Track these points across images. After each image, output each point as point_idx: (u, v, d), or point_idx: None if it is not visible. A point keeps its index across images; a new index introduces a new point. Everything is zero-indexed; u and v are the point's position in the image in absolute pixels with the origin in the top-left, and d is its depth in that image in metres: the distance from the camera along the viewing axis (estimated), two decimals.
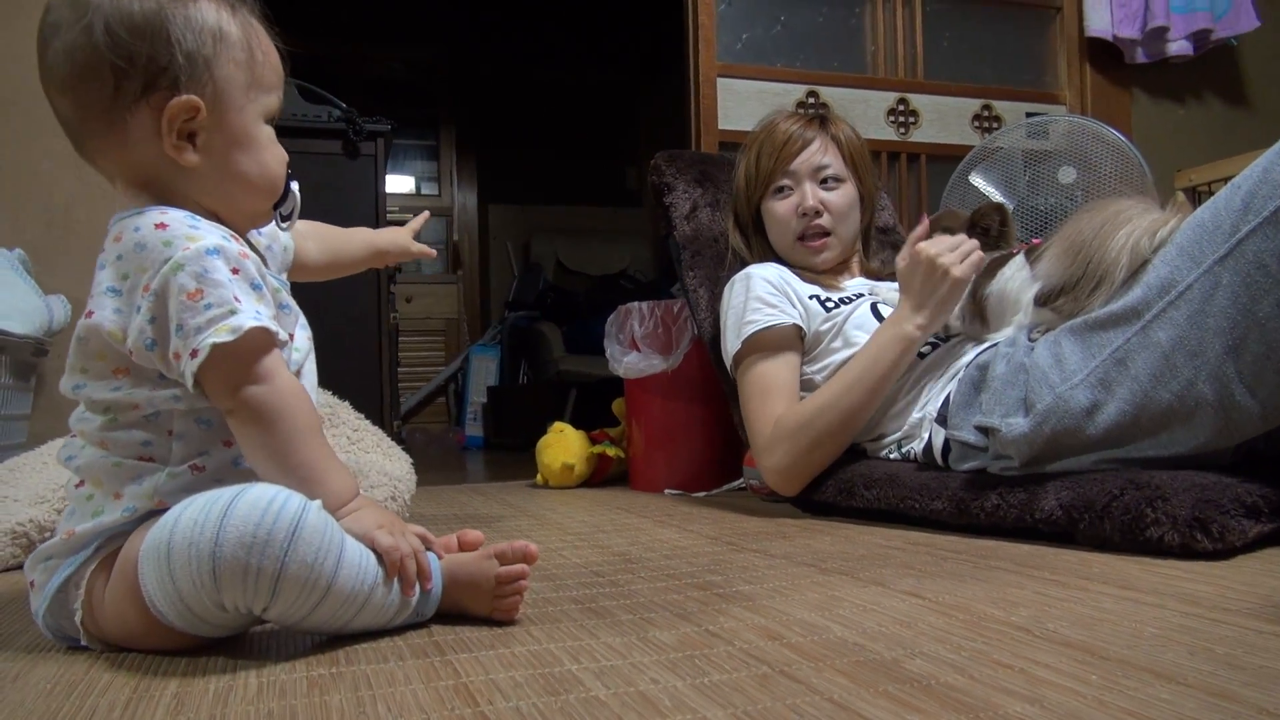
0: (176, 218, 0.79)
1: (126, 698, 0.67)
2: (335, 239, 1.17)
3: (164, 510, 0.75)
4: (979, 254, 1.43)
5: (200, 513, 0.70)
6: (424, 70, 5.83)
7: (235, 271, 0.78)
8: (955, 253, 1.42)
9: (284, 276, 0.97)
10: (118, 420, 0.80)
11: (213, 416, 0.81)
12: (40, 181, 2.12)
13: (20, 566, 1.27)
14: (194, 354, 0.74)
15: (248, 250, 0.81)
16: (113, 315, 0.78)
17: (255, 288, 0.80)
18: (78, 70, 0.78)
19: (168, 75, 0.79)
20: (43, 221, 2.14)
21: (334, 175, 2.39)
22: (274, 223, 0.93)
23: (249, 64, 0.84)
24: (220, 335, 0.74)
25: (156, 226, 0.77)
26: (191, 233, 0.78)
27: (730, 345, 1.63)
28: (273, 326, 0.78)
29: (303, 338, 0.90)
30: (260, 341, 0.78)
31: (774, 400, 1.56)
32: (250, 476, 0.81)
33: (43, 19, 0.80)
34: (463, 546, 0.91)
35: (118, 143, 0.81)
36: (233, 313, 0.75)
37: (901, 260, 1.48)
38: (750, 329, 1.59)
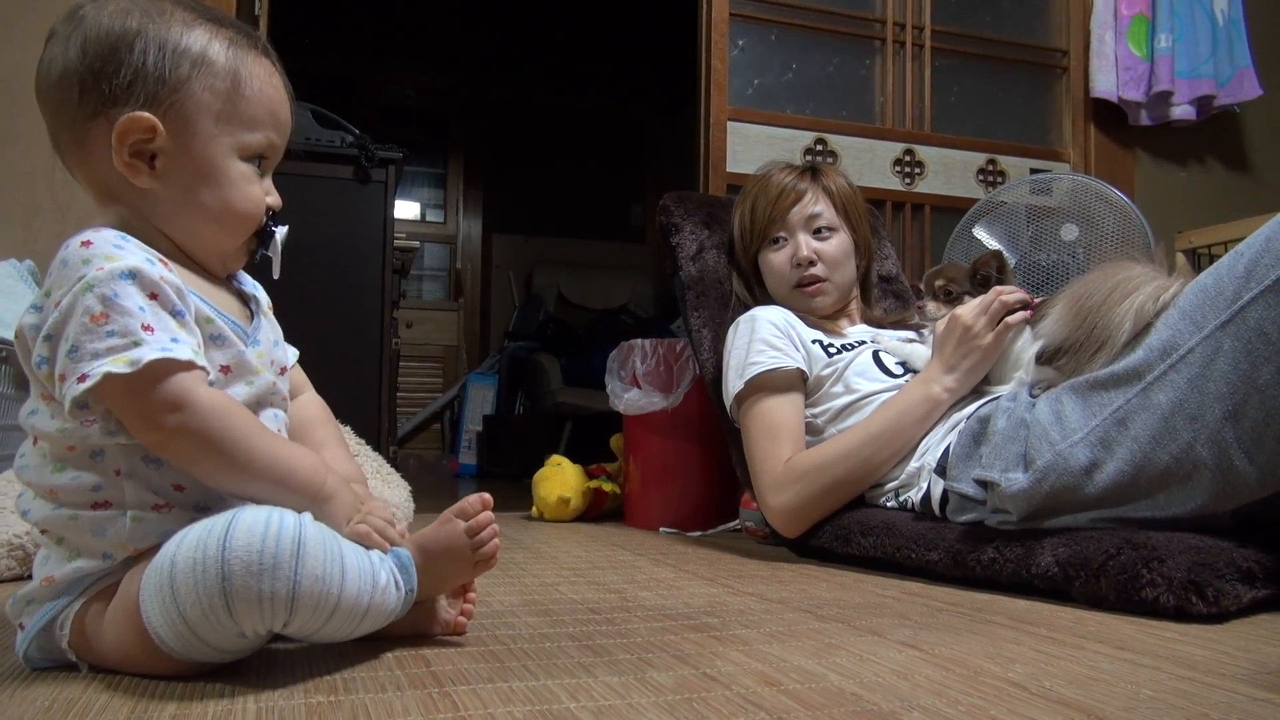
0: (104, 237, 0.76)
1: (125, 717, 0.67)
2: (302, 426, 0.98)
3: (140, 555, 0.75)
4: (1010, 320, 1.45)
5: (196, 550, 0.69)
6: (435, 97, 5.89)
7: (153, 296, 0.75)
8: (986, 317, 1.46)
9: (277, 359, 0.91)
10: (65, 467, 0.77)
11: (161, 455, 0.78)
12: (55, 193, 2.14)
13: (16, 579, 1.26)
14: (82, 379, 0.71)
15: (167, 274, 0.77)
16: (26, 330, 0.76)
17: (177, 314, 0.76)
18: (53, 81, 0.79)
19: (129, 91, 0.78)
20: (55, 233, 2.15)
21: (344, 201, 2.41)
22: (250, 263, 0.89)
23: (230, 95, 0.81)
24: (117, 365, 0.71)
25: (82, 244, 0.75)
26: (112, 252, 0.75)
27: (732, 385, 1.64)
28: (183, 355, 0.74)
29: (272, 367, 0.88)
30: (162, 371, 0.73)
31: (782, 441, 1.57)
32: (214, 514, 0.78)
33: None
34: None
35: (83, 157, 0.81)
36: (135, 344, 0.72)
37: (941, 323, 1.52)
38: (754, 370, 1.60)
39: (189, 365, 0.75)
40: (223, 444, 0.76)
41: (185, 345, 0.75)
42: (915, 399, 1.48)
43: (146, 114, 0.78)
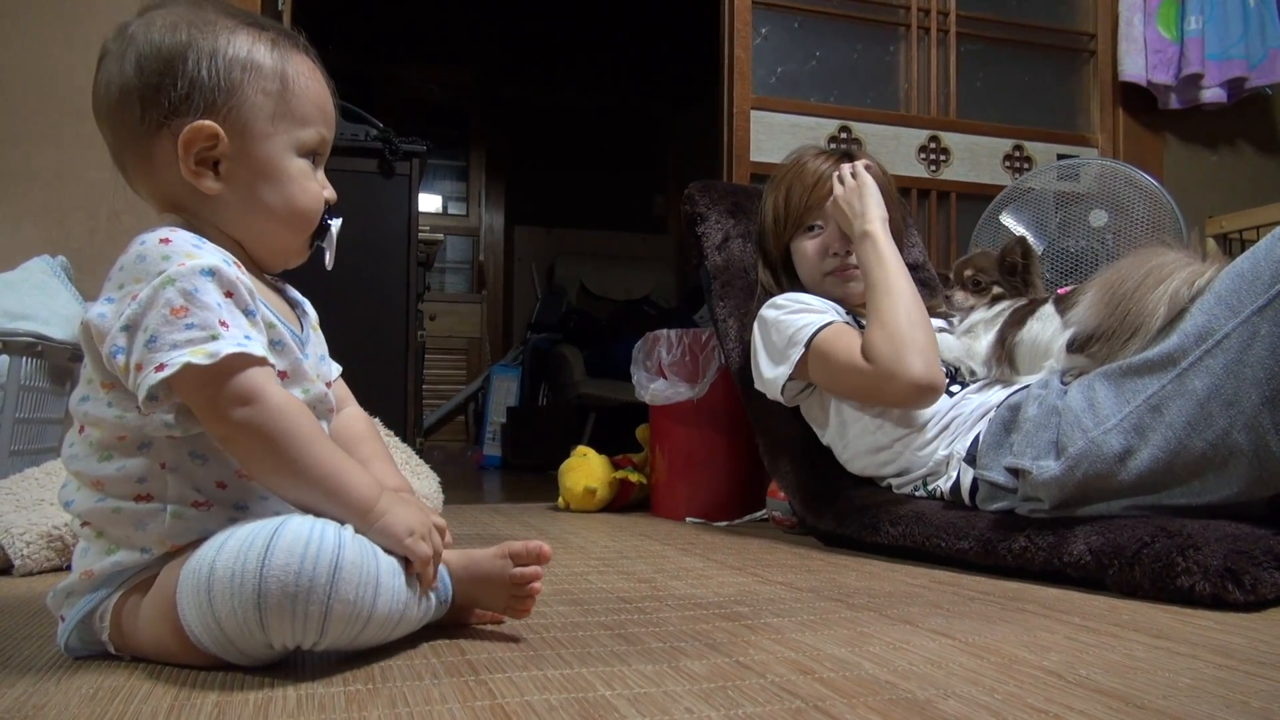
0: (182, 236, 0.78)
1: (169, 705, 0.68)
2: (348, 441, 0.96)
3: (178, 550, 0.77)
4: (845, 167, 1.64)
5: (236, 561, 0.70)
6: (457, 91, 5.90)
7: (229, 294, 0.77)
8: (845, 174, 1.65)
9: (323, 374, 0.92)
10: (112, 456, 0.79)
11: (207, 452, 0.79)
12: (88, 190, 2.17)
13: (55, 569, 1.28)
14: (160, 368, 0.72)
15: (242, 275, 0.79)
16: (97, 318, 0.77)
17: (249, 313, 0.79)
18: (113, 99, 0.81)
19: (189, 102, 0.80)
20: (87, 229, 2.18)
21: (369, 194, 2.42)
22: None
23: (280, 94, 0.84)
24: (196, 356, 0.73)
25: (160, 241, 0.77)
26: (192, 251, 0.77)
27: (792, 355, 1.57)
28: (257, 351, 0.76)
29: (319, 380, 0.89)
30: (238, 365, 0.75)
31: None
32: (252, 515, 0.80)
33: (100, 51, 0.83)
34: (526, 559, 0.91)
35: (148, 170, 0.83)
36: (213, 338, 0.74)
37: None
38: (808, 331, 1.55)
39: (262, 361, 0.77)
40: (284, 444, 0.77)
41: (257, 343, 0.77)
42: (869, 249, 1.56)
43: (209, 122, 0.80)
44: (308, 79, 0.86)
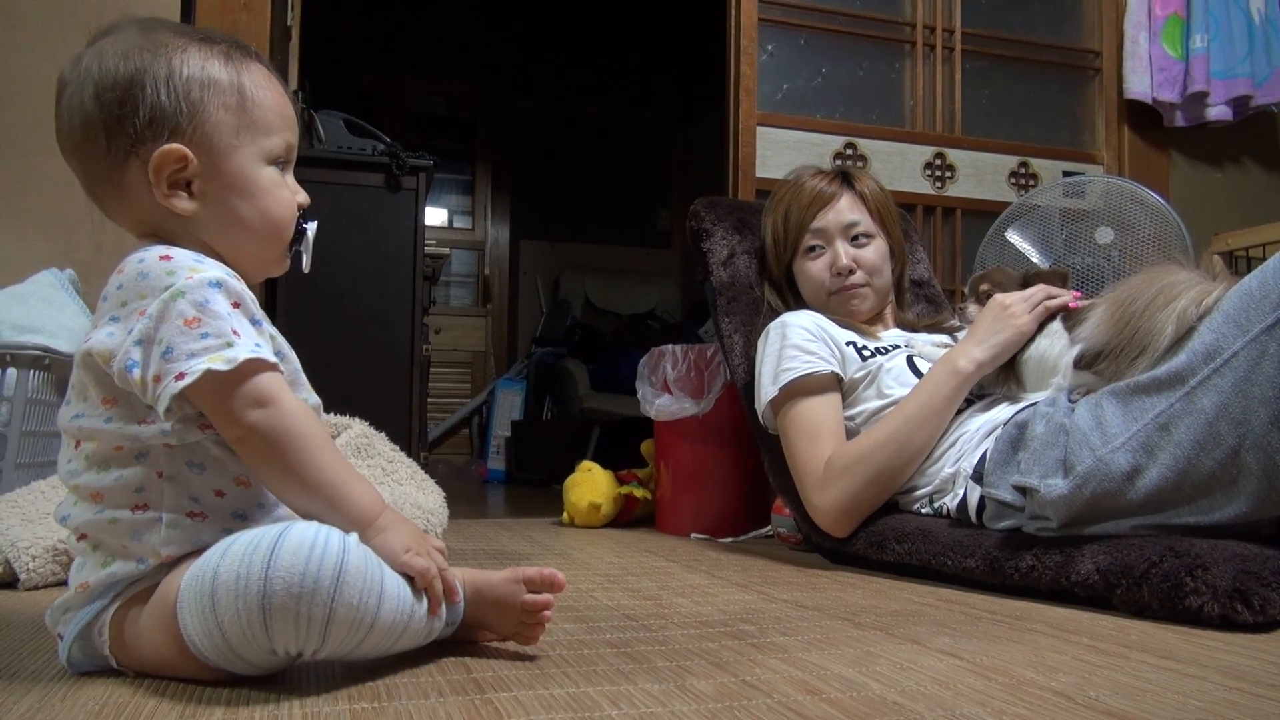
0: (183, 253, 0.80)
1: None
2: None
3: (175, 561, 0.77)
4: (1045, 307, 1.48)
5: (241, 564, 0.71)
6: (461, 105, 5.93)
7: (236, 305, 0.79)
8: (1026, 303, 1.48)
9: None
10: (110, 467, 0.79)
11: (205, 461, 0.80)
12: (94, 204, 2.17)
13: (60, 583, 1.28)
14: (179, 377, 0.74)
15: (245, 288, 0.81)
16: (105, 338, 0.78)
17: (255, 323, 0.81)
18: (76, 131, 0.82)
19: (153, 127, 0.81)
20: (94, 243, 2.18)
21: (375, 208, 2.43)
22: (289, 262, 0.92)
23: (240, 107, 0.84)
24: (216, 363, 0.74)
25: (161, 258, 0.79)
26: (195, 265, 0.79)
27: (765, 392, 1.63)
28: (270, 357, 0.78)
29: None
30: (253, 369, 0.77)
31: (823, 440, 1.55)
32: (251, 524, 0.80)
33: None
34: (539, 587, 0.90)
35: (121, 198, 0.83)
36: (229, 345, 0.76)
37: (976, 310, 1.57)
38: (787, 376, 1.59)
39: (275, 366, 0.79)
40: (293, 448, 0.78)
41: (268, 349, 0.80)
42: (942, 375, 1.49)
43: (176, 145, 0.81)
44: (264, 88, 0.87)
